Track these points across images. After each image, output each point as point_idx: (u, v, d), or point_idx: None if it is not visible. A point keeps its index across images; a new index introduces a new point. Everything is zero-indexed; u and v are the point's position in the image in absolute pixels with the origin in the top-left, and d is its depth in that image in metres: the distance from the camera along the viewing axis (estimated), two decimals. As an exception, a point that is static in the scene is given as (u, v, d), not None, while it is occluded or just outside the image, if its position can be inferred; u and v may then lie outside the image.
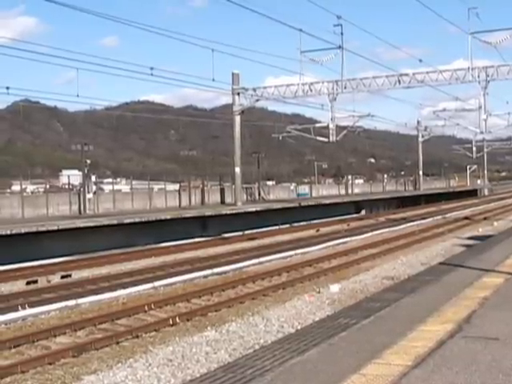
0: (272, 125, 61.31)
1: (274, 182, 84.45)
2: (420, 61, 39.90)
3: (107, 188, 54.48)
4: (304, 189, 65.13)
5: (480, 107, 39.02)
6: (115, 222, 31.55)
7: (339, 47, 36.35)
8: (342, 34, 35.78)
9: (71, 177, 49.48)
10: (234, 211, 40.31)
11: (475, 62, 38.27)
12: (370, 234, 34.54)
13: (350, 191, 71.04)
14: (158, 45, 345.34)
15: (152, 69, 35.41)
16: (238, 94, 43.76)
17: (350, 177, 79.49)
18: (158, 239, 32.49)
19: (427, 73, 39.40)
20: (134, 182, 53.01)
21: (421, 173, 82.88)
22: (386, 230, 36.67)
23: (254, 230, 38.39)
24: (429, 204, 67.00)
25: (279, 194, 59.84)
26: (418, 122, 77.92)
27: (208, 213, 38.46)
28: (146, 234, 32.48)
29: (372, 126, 67.80)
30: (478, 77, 37.58)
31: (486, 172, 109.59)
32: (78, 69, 34.63)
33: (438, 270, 15.08)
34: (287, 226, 42.42)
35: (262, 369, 7.05)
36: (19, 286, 20.62)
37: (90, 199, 39.39)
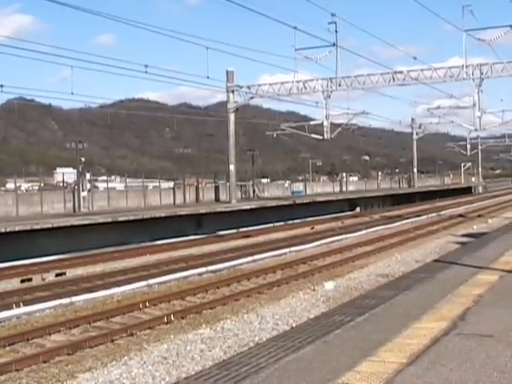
0: (266, 122, 61.35)
1: (268, 180, 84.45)
2: (414, 58, 39.98)
3: (102, 186, 54.42)
4: (298, 186, 65.14)
5: (474, 105, 39.04)
6: (110, 219, 31.52)
7: (334, 45, 36.34)
8: (336, 31, 35.80)
9: (66, 175, 49.44)
10: (228, 209, 40.32)
11: (470, 59, 38.29)
12: (364, 231, 34.56)
13: (344, 189, 71.08)
14: (153, 43, 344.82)
15: (147, 66, 35.38)
16: (233, 91, 43.73)
17: (344, 174, 79.51)
18: (153, 237, 32.48)
19: (422, 70, 39.44)
20: (128, 180, 52.96)
21: (415, 170, 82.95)
22: (381, 227, 36.68)
23: (249, 228, 38.39)
24: (423, 201, 67.09)
25: (274, 191, 59.86)
26: (413, 120, 77.96)
27: (202, 210, 38.45)
28: (140, 231, 32.47)
29: (366, 124, 67.65)
30: (473, 74, 37.62)
31: (480, 169, 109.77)
32: (72, 67, 34.62)
33: (433, 268, 15.11)
34: (282, 223, 42.43)
35: (256, 366, 7.05)
36: (14, 284, 20.59)
37: (84, 197, 39.32)
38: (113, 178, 79.25)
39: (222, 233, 35.98)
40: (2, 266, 23.89)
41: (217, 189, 51.25)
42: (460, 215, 45.61)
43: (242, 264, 23.16)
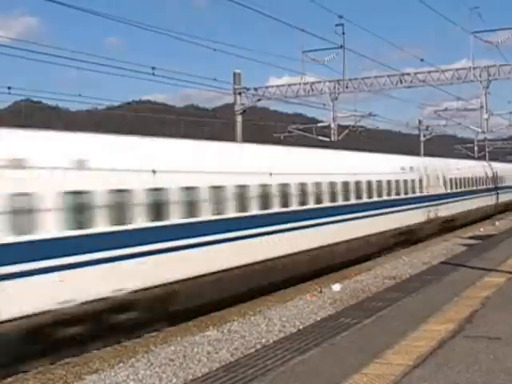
0: (274, 124, 61.29)
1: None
2: (421, 60, 39.88)
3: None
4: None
5: (482, 107, 38.94)
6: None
7: (341, 47, 36.31)
8: (343, 33, 35.74)
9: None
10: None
11: (477, 61, 38.27)
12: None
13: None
14: (160, 45, 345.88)
15: (154, 68, 35.38)
16: (240, 93, 43.69)
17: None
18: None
19: (429, 72, 39.33)
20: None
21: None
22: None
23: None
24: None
25: (281, 193, 59.47)
26: (420, 122, 77.83)
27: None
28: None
29: (374, 126, 67.44)
30: (480, 76, 37.54)
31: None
32: (79, 68, 34.61)
33: (440, 270, 15.09)
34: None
35: (263, 368, 7.06)
36: None
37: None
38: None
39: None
40: None
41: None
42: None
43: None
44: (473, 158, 79.77)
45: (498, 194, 45.70)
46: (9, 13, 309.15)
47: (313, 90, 41.31)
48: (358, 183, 23.68)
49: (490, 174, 45.05)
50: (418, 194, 30.11)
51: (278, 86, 43.11)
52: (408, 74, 40.03)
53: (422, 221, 29.96)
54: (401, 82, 39.66)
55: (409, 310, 10.11)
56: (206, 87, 58.40)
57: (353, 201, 23.13)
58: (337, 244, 21.43)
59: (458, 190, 36.63)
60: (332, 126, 42.01)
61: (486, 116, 38.85)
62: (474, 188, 39.86)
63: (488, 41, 36.86)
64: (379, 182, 25.64)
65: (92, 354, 12.18)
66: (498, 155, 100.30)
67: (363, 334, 8.52)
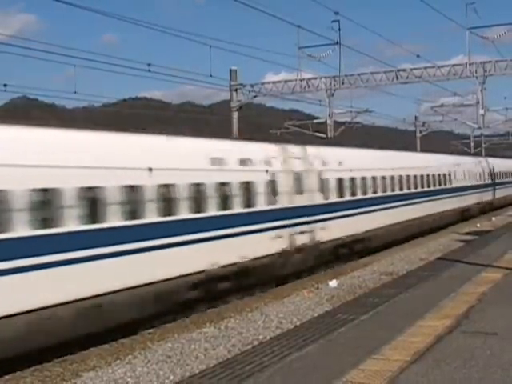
0: (270, 121, 61.30)
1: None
2: (418, 56, 39.83)
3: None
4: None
5: (478, 102, 38.98)
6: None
7: (337, 43, 36.28)
8: (339, 29, 35.71)
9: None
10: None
11: (474, 57, 38.31)
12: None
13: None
14: (156, 42, 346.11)
15: (149, 65, 35.29)
16: (236, 90, 43.67)
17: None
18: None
19: (425, 68, 39.36)
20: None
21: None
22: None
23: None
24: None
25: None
26: (416, 118, 77.87)
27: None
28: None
29: (370, 122, 67.50)
30: (476, 72, 37.57)
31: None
32: (75, 65, 34.56)
33: (437, 266, 15.12)
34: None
35: (260, 365, 7.06)
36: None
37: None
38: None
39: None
40: None
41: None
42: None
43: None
44: (469, 153, 79.84)
45: None
46: (6, 9, 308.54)
47: (309, 87, 41.29)
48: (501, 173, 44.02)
49: None
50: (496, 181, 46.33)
51: (274, 83, 43.05)
52: (404, 70, 40.02)
53: (505, 195, 48.55)
54: (397, 78, 39.67)
55: (406, 305, 10.13)
56: (203, 84, 58.53)
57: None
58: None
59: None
60: (328, 122, 42.01)
61: (482, 112, 38.88)
62: None
63: (484, 36, 36.89)
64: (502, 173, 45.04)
65: (89, 351, 12.19)
66: (495, 151, 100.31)
67: (360, 330, 8.53)
